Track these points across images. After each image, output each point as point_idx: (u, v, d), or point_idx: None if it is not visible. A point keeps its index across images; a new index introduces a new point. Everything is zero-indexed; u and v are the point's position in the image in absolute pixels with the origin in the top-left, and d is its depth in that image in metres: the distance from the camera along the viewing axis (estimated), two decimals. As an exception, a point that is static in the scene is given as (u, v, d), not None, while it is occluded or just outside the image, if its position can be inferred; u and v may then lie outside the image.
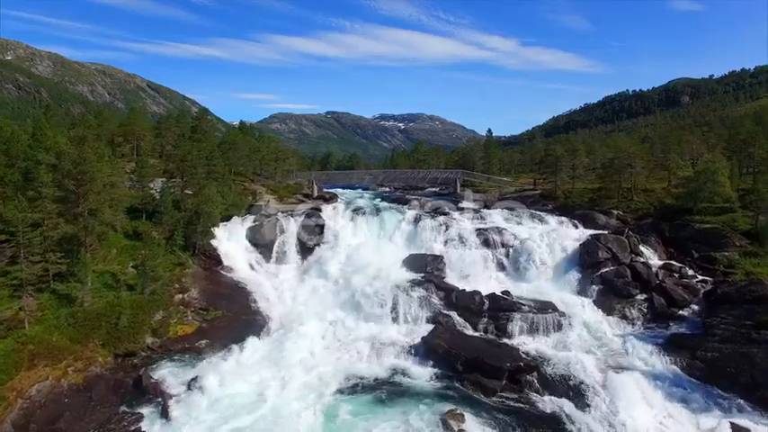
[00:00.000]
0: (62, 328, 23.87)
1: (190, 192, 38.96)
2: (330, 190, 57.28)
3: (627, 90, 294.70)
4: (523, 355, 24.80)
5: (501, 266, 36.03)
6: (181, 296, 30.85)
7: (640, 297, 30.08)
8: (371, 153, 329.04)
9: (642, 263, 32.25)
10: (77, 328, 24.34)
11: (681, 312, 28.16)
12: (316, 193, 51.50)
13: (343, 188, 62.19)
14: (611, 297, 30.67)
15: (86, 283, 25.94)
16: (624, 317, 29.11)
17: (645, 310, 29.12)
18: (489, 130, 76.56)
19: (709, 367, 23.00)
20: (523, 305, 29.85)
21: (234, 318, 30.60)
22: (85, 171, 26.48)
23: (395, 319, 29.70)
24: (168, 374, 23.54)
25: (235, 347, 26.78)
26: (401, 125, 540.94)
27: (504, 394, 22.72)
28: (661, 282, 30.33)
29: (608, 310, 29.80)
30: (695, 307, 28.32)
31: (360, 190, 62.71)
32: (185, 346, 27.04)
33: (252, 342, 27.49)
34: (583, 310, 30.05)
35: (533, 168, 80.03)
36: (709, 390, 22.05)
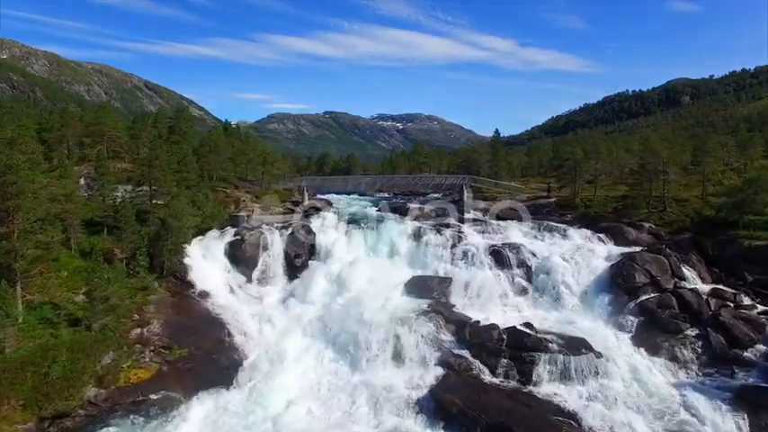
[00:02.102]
0: (-32, 387, 18.66)
1: (160, 202, 33.79)
2: (323, 197, 52.20)
3: (626, 90, 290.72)
4: (560, 418, 19.69)
5: (519, 290, 30.99)
6: (139, 331, 25.60)
7: (691, 333, 25.02)
8: (369, 153, 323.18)
9: (690, 289, 27.20)
10: (-8, 384, 19.14)
11: (746, 355, 23.11)
12: (306, 201, 46.42)
13: (339, 194, 57.14)
14: (654, 332, 25.61)
15: (9, 322, 20.69)
16: (674, 359, 24.02)
17: (699, 350, 24.05)
18: (497, 131, 71.70)
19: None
20: (550, 343, 24.71)
21: (203, 357, 25.43)
22: (12, 182, 21.28)
23: (396, 361, 24.53)
24: (106, 446, 18.37)
25: (198, 401, 21.72)
26: (399, 125, 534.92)
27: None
28: (715, 314, 25.31)
29: (653, 350, 24.74)
30: (763, 348, 23.26)
31: (356, 195, 57.78)
32: (138, 399, 21.80)
33: (221, 393, 22.44)
34: (621, 349, 25.01)
35: (541, 171, 75.22)
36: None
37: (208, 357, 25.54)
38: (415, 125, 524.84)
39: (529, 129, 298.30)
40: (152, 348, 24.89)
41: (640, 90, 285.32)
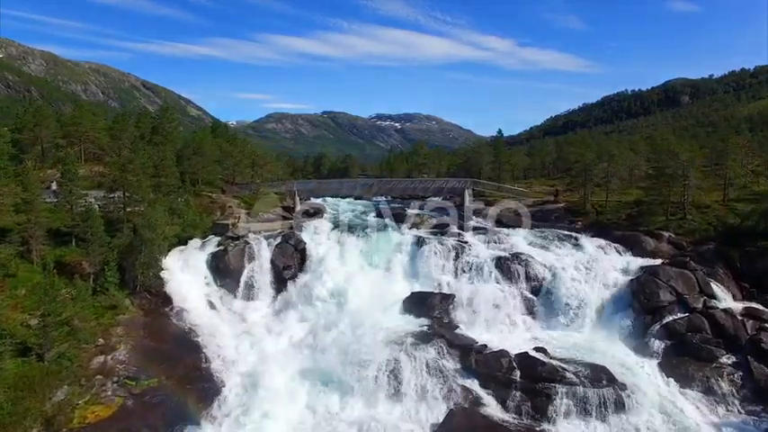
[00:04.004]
0: None
1: (137, 209, 30.80)
2: (317, 201, 49.21)
3: (626, 90, 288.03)
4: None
5: (528, 307, 28.14)
6: (102, 359, 22.60)
7: (728, 361, 22.19)
8: (368, 153, 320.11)
9: (723, 310, 24.32)
10: None
11: (794, 389, 20.27)
12: (298, 207, 43.34)
13: (334, 198, 54.19)
14: (685, 359, 22.75)
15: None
16: (710, 391, 21.17)
17: (739, 381, 21.21)
18: (500, 131, 68.56)
19: None
20: (567, 371, 21.84)
21: (175, 388, 22.48)
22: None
23: (393, 394, 21.55)
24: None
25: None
26: (398, 125, 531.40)
27: None
28: (754, 338, 22.45)
29: (684, 380, 21.89)
30: (814, 381, 20.43)
31: (352, 199, 54.84)
32: (94, 442, 18.88)
33: (191, 433, 19.48)
34: (648, 379, 22.13)
35: (544, 173, 72.32)
36: None
37: (181, 387, 22.61)
38: (413, 125, 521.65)
39: (528, 129, 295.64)
40: (115, 380, 21.87)
41: (639, 90, 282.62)
